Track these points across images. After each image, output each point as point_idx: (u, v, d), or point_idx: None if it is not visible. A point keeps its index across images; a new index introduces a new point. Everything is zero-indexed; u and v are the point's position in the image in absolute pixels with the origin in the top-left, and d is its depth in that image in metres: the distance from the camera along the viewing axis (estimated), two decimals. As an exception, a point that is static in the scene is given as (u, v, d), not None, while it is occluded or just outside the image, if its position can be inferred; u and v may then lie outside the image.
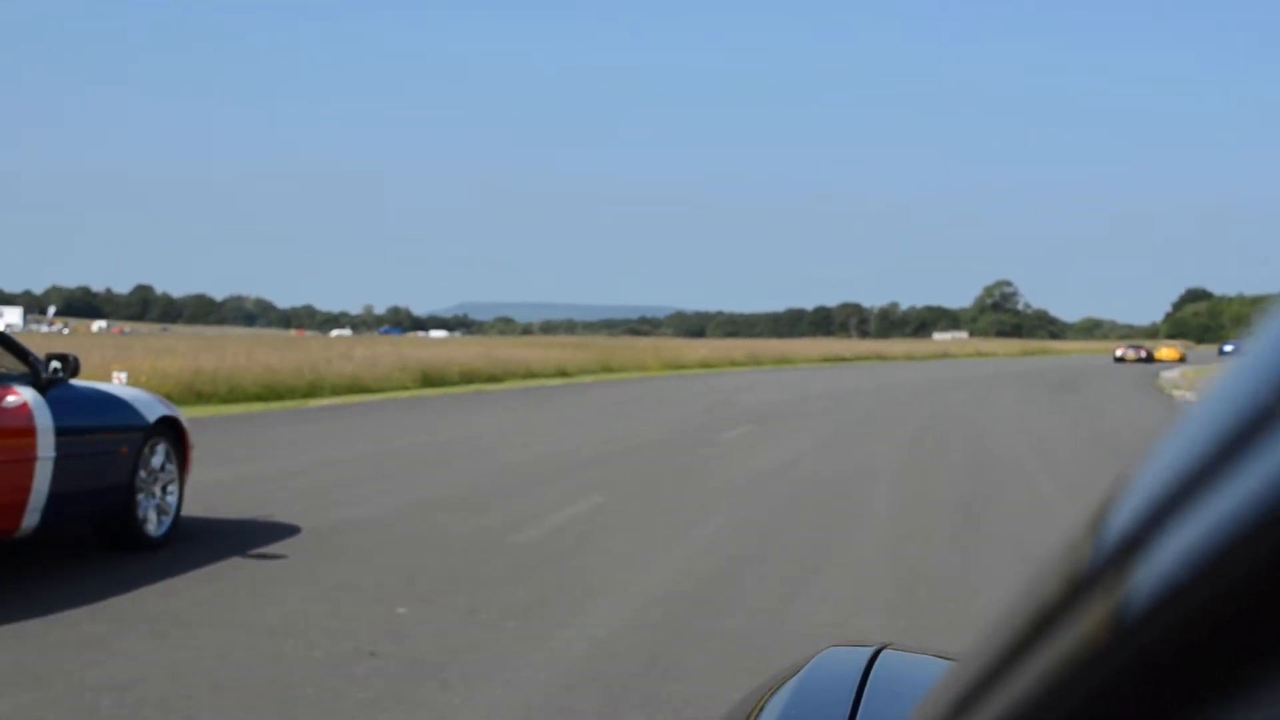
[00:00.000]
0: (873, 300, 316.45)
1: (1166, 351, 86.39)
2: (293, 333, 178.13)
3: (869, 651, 1.29)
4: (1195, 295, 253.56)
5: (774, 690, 1.26)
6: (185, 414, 9.91)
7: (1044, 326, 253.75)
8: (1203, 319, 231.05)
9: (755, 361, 67.99)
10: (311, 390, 29.34)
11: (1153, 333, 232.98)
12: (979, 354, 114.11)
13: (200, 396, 25.46)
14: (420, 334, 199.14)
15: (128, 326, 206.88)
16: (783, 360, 71.85)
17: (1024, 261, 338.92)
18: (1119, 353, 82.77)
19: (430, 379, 35.03)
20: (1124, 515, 0.50)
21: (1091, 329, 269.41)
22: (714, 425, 21.04)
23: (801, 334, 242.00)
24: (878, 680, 1.20)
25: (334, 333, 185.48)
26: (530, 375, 42.26)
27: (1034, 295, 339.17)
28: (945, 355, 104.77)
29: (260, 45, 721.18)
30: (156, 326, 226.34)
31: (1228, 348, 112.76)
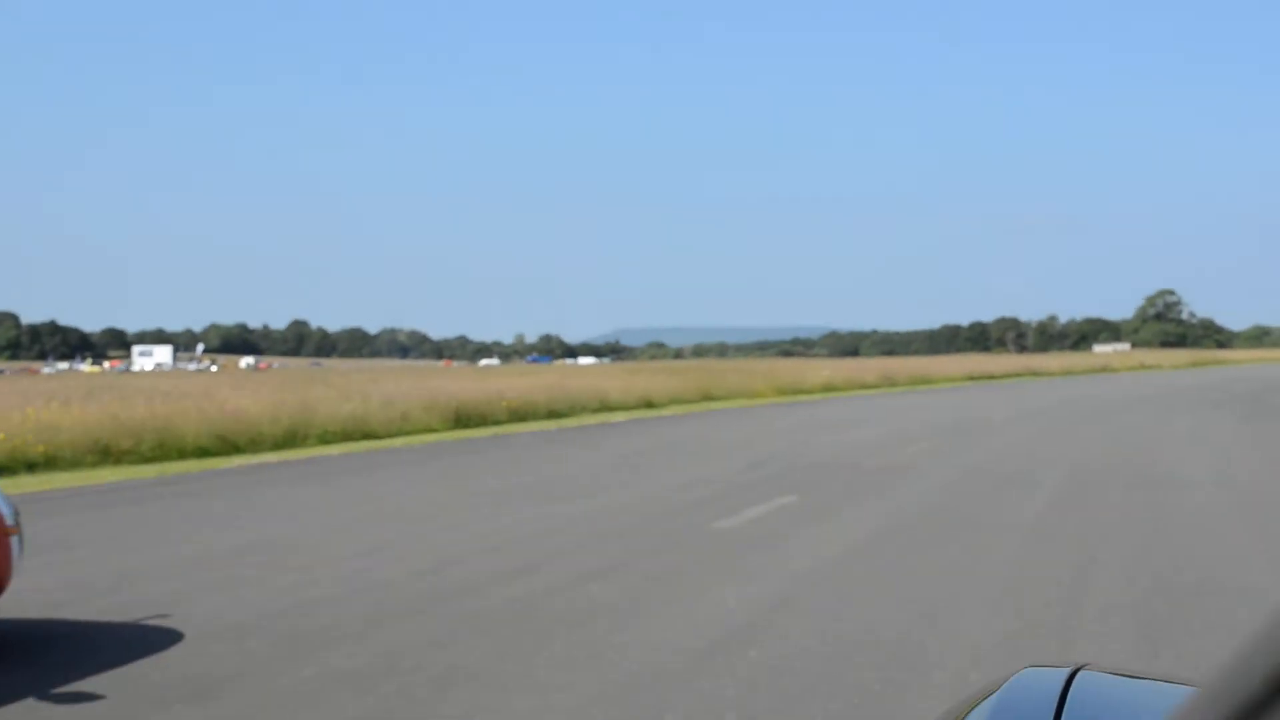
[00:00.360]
0: (1031, 314, 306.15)
1: None
2: (441, 364, 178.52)
3: (1066, 672, 1.26)
4: None
5: (969, 711, 1.24)
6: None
7: (1210, 336, 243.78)
8: None
9: (890, 383, 60.73)
10: (289, 439, 23.34)
11: None
12: (1143, 366, 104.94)
13: (109, 454, 19.62)
14: (569, 361, 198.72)
15: (278, 361, 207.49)
16: (921, 380, 64.39)
17: (1187, 269, 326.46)
18: None
19: (466, 418, 28.78)
20: None
21: (1260, 337, 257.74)
22: (730, 496, 14.00)
23: (957, 350, 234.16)
24: (1076, 701, 1.18)
25: (482, 362, 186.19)
26: (606, 409, 35.76)
27: (1198, 304, 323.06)
28: (1105, 369, 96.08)
29: (402, 80, 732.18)
30: (307, 361, 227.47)
31: None
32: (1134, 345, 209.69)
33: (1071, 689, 1.19)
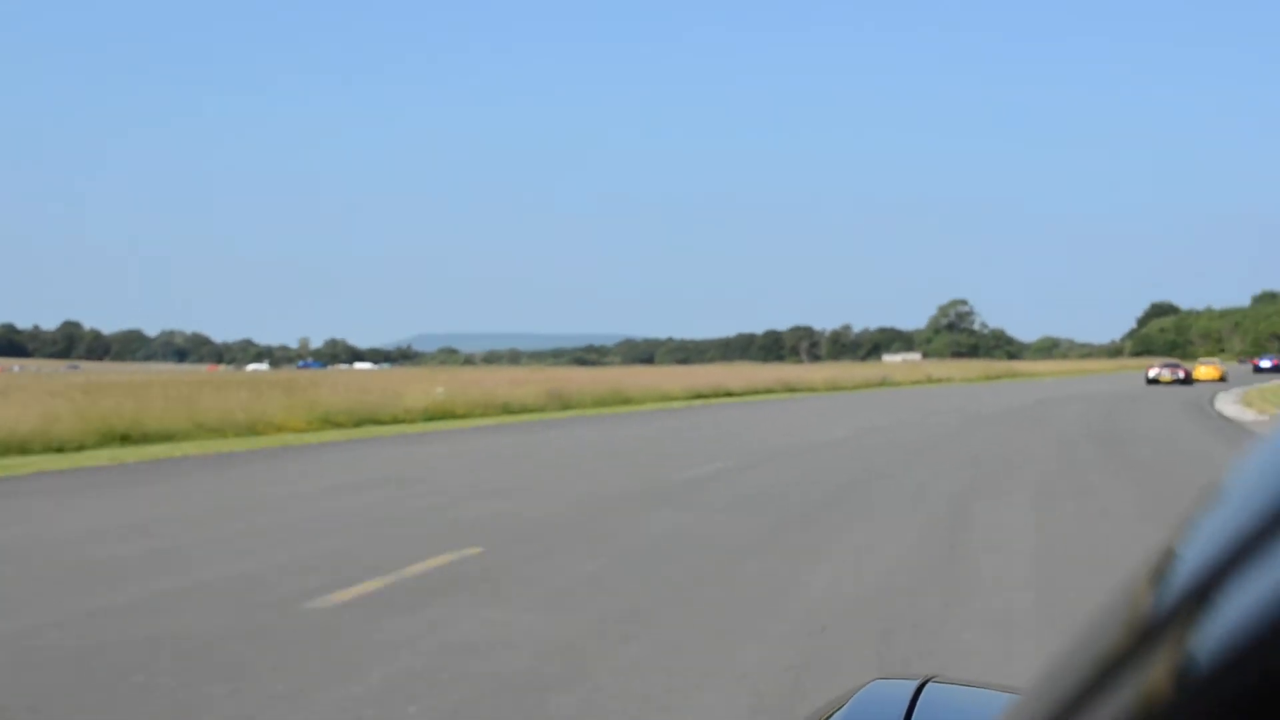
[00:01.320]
0: (826, 323, 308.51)
1: (1205, 370, 73.15)
2: (205, 369, 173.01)
3: (914, 684, 1.25)
4: (1161, 309, 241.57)
5: None
6: None
7: (1001, 347, 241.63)
8: (1170, 335, 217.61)
9: (623, 400, 43.32)
10: None
11: (1116, 350, 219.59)
12: (930, 379, 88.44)
13: None
14: (344, 367, 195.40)
15: (35, 364, 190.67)
16: (624, 399, 45.74)
17: (980, 280, 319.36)
18: (1152, 373, 67.70)
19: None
20: (1192, 560, 0.47)
21: (1050, 348, 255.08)
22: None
23: (752, 359, 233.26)
24: (924, 713, 1.18)
25: (249, 368, 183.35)
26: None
27: (990, 314, 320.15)
28: (885, 383, 78.88)
29: (210, 96, 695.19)
30: (64, 364, 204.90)
31: (1265, 363, 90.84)
32: (926, 355, 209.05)
33: (919, 701, 1.17)
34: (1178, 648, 0.45)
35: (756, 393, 58.37)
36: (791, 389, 63.05)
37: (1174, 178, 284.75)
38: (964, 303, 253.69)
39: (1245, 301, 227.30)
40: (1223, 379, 71.07)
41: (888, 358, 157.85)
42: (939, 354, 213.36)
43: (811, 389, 64.60)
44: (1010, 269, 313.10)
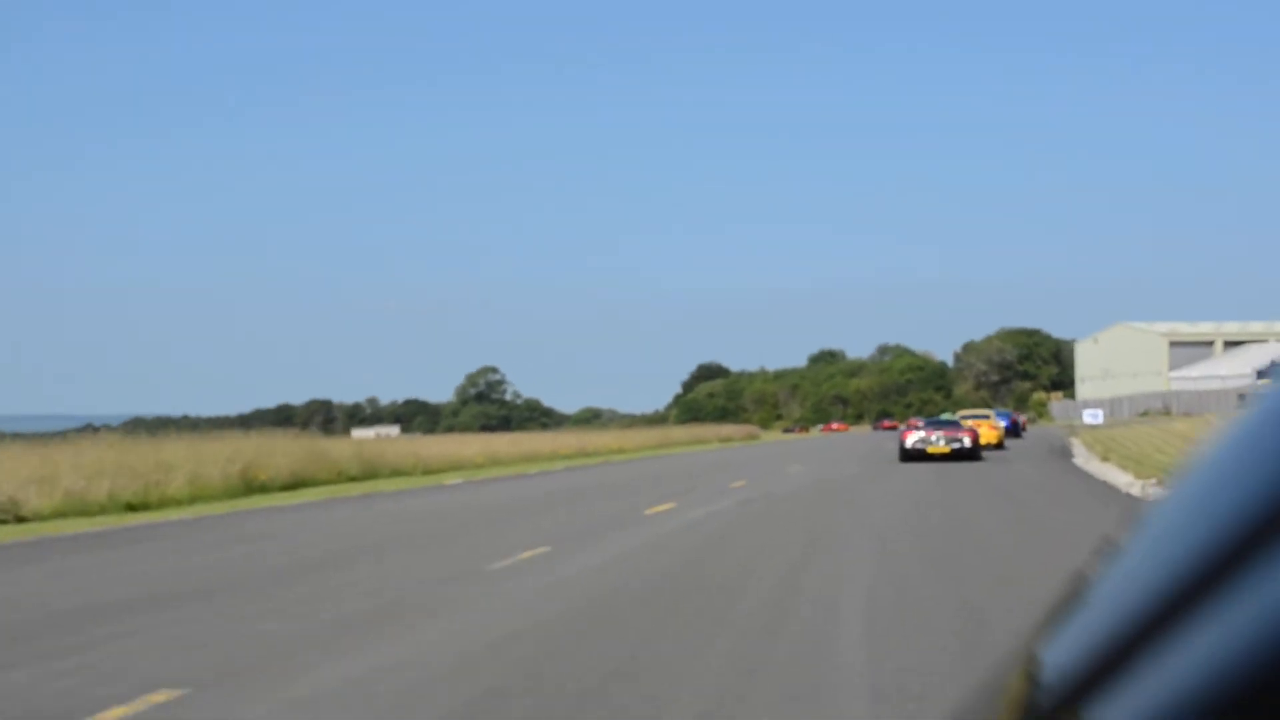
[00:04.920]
0: (351, 396, 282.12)
1: (985, 431, 47.51)
2: None
3: None
4: (710, 372, 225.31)
5: None
6: None
7: (536, 419, 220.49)
8: (720, 400, 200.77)
9: None
10: None
11: (662, 419, 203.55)
12: (365, 477, 55.25)
13: None
14: None
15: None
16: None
17: (511, 347, 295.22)
18: (913, 440, 40.15)
19: None
20: (1073, 648, 0.42)
21: (591, 419, 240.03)
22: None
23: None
24: None
25: None
26: None
27: (524, 384, 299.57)
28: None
29: None
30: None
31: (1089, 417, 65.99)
32: (453, 429, 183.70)
33: None
34: None
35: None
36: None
37: (710, 256, 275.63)
38: (494, 370, 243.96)
39: (801, 362, 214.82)
40: (1001, 445, 49.52)
41: (358, 433, 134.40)
42: (467, 427, 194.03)
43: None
44: (543, 338, 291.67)
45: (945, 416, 49.97)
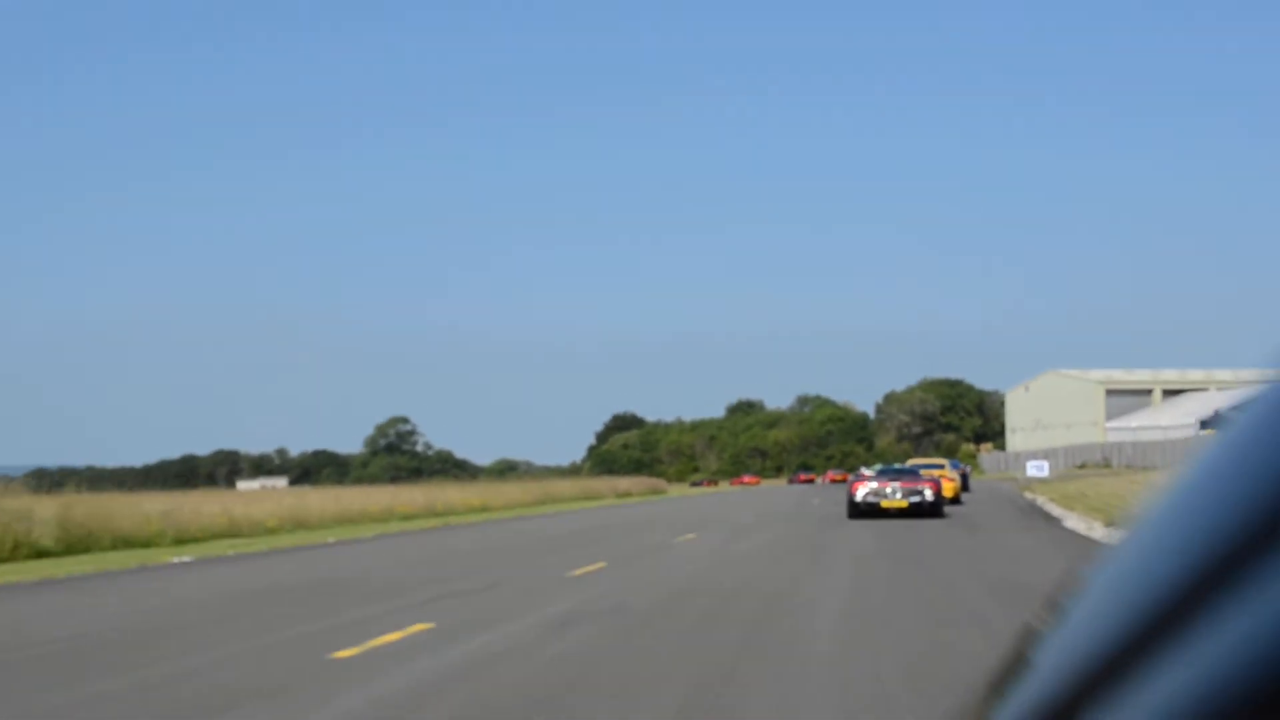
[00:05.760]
0: (261, 446, 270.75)
1: (945, 484, 40.51)
2: None
3: None
4: (624, 423, 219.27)
5: None
6: None
7: (449, 470, 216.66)
8: (635, 451, 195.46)
9: None
10: None
11: (576, 471, 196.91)
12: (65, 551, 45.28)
13: None
14: None
15: None
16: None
17: (422, 398, 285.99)
18: (863, 493, 33.78)
19: None
20: (1042, 684, 0.41)
21: (506, 471, 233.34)
22: None
23: (166, 487, 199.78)
24: None
25: None
26: None
27: (436, 435, 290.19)
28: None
29: None
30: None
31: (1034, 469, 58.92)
32: (361, 480, 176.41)
33: None
34: None
35: None
36: None
37: (627, 305, 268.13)
38: (405, 420, 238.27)
39: (719, 412, 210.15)
40: (958, 498, 43.02)
41: (244, 485, 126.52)
42: (377, 478, 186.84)
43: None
44: (456, 390, 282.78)
45: (899, 466, 41.01)
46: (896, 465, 43.42)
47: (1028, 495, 44.51)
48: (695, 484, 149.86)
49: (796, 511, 39.45)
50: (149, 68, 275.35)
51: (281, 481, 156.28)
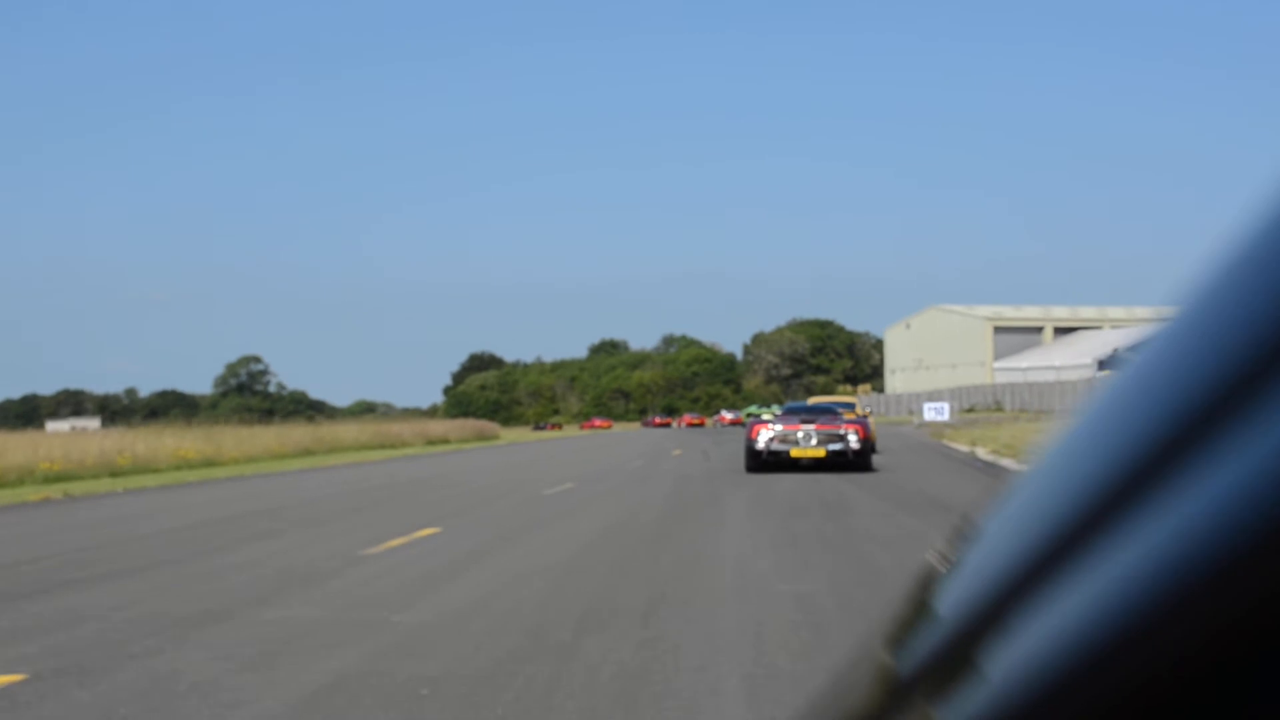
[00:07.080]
0: (112, 386, 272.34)
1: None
2: None
3: None
4: (482, 362, 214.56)
5: None
6: None
7: (303, 411, 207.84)
8: (492, 393, 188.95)
9: None
10: None
11: (434, 413, 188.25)
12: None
13: None
14: None
15: None
16: None
17: (276, 336, 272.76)
18: (766, 439, 25.84)
19: None
20: (951, 607, 0.41)
21: (364, 412, 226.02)
22: None
23: (7, 427, 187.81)
24: None
25: None
26: None
27: (292, 376, 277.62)
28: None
29: None
30: None
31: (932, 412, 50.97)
32: (215, 421, 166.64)
33: None
34: (928, 712, 0.40)
35: None
36: None
37: (488, 245, 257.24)
38: (257, 359, 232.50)
39: (582, 353, 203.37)
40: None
41: (53, 425, 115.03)
42: (226, 419, 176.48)
43: None
44: (313, 330, 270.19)
45: (810, 404, 31.17)
46: (808, 403, 33.46)
47: (951, 443, 38.06)
48: (539, 427, 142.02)
49: (646, 472, 28.14)
50: (55, 19, 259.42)
51: (94, 423, 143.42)
